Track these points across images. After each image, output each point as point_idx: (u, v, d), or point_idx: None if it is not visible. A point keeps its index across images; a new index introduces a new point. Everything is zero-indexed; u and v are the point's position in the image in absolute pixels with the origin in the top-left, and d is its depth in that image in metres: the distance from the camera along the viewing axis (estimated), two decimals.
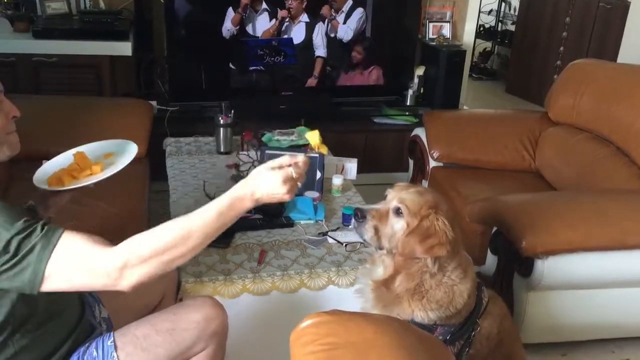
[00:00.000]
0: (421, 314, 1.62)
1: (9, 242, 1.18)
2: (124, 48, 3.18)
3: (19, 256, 1.18)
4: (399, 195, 1.65)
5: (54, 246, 1.20)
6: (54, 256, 1.20)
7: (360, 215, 1.64)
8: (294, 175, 1.34)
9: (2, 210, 1.21)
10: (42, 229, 1.21)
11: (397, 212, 1.62)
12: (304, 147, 2.73)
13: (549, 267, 2.14)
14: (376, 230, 1.63)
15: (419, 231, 1.58)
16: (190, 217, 1.29)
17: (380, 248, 1.66)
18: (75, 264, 1.22)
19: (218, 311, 1.58)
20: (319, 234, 2.19)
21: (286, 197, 1.34)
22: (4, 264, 1.18)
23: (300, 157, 1.36)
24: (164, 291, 1.81)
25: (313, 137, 1.43)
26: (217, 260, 1.99)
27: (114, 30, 3.22)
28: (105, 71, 3.22)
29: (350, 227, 2.25)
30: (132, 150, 1.63)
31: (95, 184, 1.53)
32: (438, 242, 1.57)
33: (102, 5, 3.47)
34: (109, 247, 1.24)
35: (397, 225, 1.62)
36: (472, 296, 1.67)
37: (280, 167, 1.33)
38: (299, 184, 1.37)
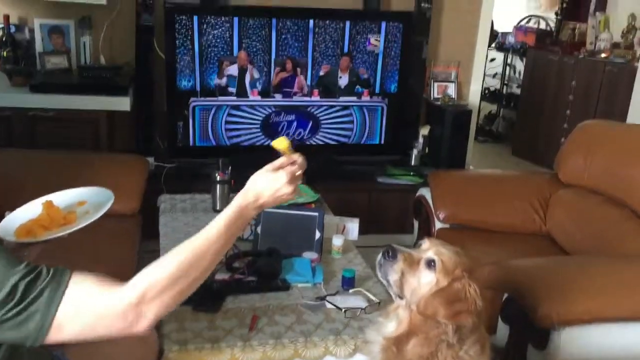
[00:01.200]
0: None
1: (15, 287, 1.06)
2: (123, 103, 3.13)
3: (26, 302, 1.07)
4: (436, 247, 1.51)
5: (65, 289, 1.09)
6: (65, 300, 1.09)
7: (390, 254, 1.49)
8: (299, 172, 1.30)
9: (1, 253, 1.10)
10: (48, 271, 1.10)
11: (430, 264, 1.48)
12: (305, 205, 2.62)
13: (566, 339, 1.97)
14: (402, 275, 1.48)
15: (448, 292, 1.43)
16: (198, 237, 1.22)
17: (401, 297, 1.50)
18: (87, 308, 1.11)
19: None
20: (317, 298, 2.04)
21: (290, 197, 1.31)
22: (8, 310, 1.06)
23: (296, 155, 1.33)
24: (144, 359, 1.66)
25: (280, 143, 1.34)
26: (205, 326, 1.84)
27: (112, 85, 3.18)
28: (103, 126, 3.16)
29: (350, 291, 2.10)
30: (107, 197, 1.51)
31: (70, 234, 1.40)
32: (466, 309, 1.42)
33: (102, 60, 3.45)
34: (120, 286, 1.14)
35: (426, 279, 1.47)
36: None
37: (281, 167, 1.29)
38: (299, 183, 1.32)
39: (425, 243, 1.56)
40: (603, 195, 2.76)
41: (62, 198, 1.54)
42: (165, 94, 3.37)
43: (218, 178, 2.67)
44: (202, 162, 3.37)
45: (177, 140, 3.44)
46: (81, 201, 1.53)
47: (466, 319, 1.43)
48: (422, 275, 1.48)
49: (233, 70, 3.43)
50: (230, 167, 2.69)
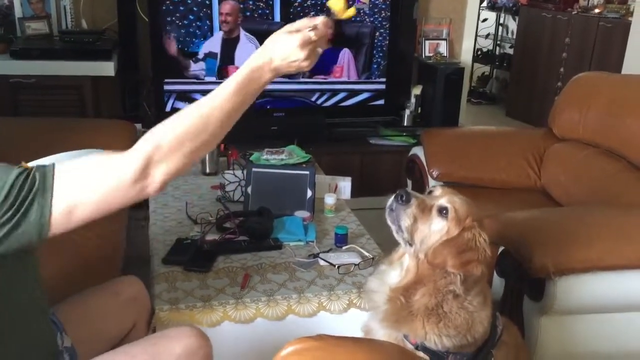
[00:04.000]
0: (435, 339, 1.41)
1: (12, 186, 1.03)
2: (107, 68, 3.06)
3: (23, 194, 1.03)
4: (449, 195, 1.46)
5: (53, 171, 1.06)
6: (58, 181, 1.05)
7: (404, 198, 1.43)
8: (313, 37, 1.19)
9: None
10: (36, 166, 1.07)
11: (442, 212, 1.43)
12: (298, 166, 2.58)
13: (562, 289, 1.94)
14: (414, 221, 1.43)
15: (458, 241, 1.39)
16: (207, 98, 1.15)
17: (410, 244, 1.46)
18: (92, 183, 1.07)
19: (202, 342, 1.40)
20: (310, 255, 2.01)
21: (305, 65, 1.20)
22: (8, 209, 1.03)
23: (320, 19, 1.21)
24: (135, 319, 1.63)
25: (337, 3, 1.25)
26: (197, 286, 1.80)
27: (95, 50, 3.11)
28: (87, 92, 3.09)
29: (343, 248, 2.07)
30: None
31: None
32: (476, 258, 1.39)
33: (84, 25, 3.36)
34: (123, 153, 1.09)
35: (437, 226, 1.42)
36: (488, 324, 1.48)
37: (298, 31, 1.19)
38: (320, 51, 1.22)
39: (438, 190, 1.51)
40: (598, 148, 2.72)
41: (58, 159, 1.51)
42: (150, 58, 3.29)
43: None
44: None
45: (164, 106, 3.37)
46: None
47: (476, 268, 1.39)
48: (433, 223, 1.43)
49: (217, 35, 3.35)
50: None
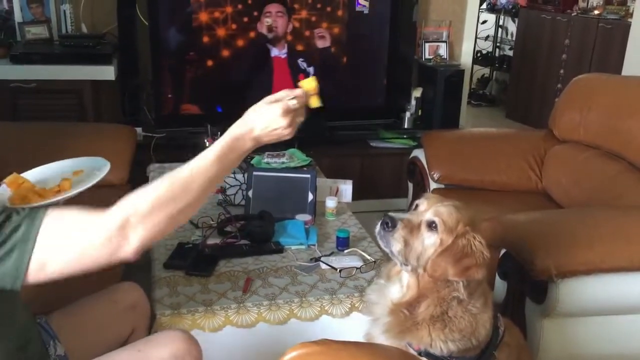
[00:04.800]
0: (441, 345, 1.40)
1: None
2: (107, 72, 3.06)
3: (2, 238, 1.03)
4: (435, 207, 1.44)
5: (41, 220, 1.06)
6: (42, 232, 1.05)
7: (389, 224, 1.42)
8: (293, 105, 1.22)
9: None
10: (23, 210, 1.06)
11: (431, 226, 1.41)
12: (299, 169, 2.57)
13: (564, 291, 1.94)
14: (405, 243, 1.42)
15: (454, 250, 1.38)
16: (188, 165, 1.17)
17: (406, 264, 1.45)
18: (69, 236, 1.07)
19: (190, 347, 1.39)
20: (311, 259, 2.01)
21: (286, 133, 1.23)
22: None
23: (298, 91, 1.26)
24: (133, 326, 1.62)
25: (309, 83, 1.28)
26: (198, 290, 1.80)
27: (95, 54, 3.11)
28: (87, 97, 3.09)
29: (345, 252, 2.07)
30: (103, 167, 1.51)
31: (65, 201, 1.37)
32: (475, 263, 1.37)
33: (84, 29, 3.36)
34: (103, 211, 1.10)
35: (429, 241, 1.41)
36: (490, 326, 1.47)
37: (278, 101, 1.22)
38: (299, 121, 1.25)
39: (423, 203, 1.49)
40: (599, 150, 2.72)
41: (58, 167, 1.52)
42: (150, 62, 3.28)
43: (207, 144, 2.60)
44: (192, 131, 3.31)
45: (164, 110, 3.36)
46: (77, 170, 1.52)
47: (476, 273, 1.38)
48: (425, 239, 1.42)
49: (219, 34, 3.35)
50: (219, 133, 2.64)
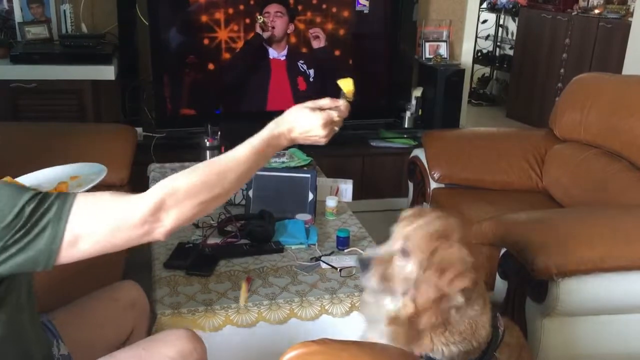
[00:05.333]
0: (443, 349, 1.39)
1: (22, 209, 1.04)
2: (107, 72, 3.05)
3: (35, 218, 1.04)
4: (404, 230, 1.43)
5: (73, 200, 1.07)
6: (75, 209, 1.06)
7: (363, 267, 1.41)
8: (335, 118, 1.26)
9: (9, 184, 1.09)
10: (55, 193, 1.08)
11: (404, 252, 1.39)
12: (299, 168, 2.57)
13: (565, 291, 1.94)
14: (385, 278, 1.39)
15: (433, 268, 1.36)
16: (225, 156, 1.20)
17: (394, 296, 1.42)
18: (102, 215, 1.08)
19: (195, 345, 1.40)
20: (312, 259, 2.01)
21: (322, 141, 1.28)
22: (16, 232, 1.03)
23: (342, 101, 1.30)
24: (134, 325, 1.63)
25: (347, 84, 1.31)
26: (198, 290, 1.80)
27: (95, 54, 3.11)
28: (88, 97, 3.08)
29: (345, 251, 2.07)
30: (100, 172, 1.52)
31: None
32: (458, 273, 1.35)
33: (84, 29, 3.36)
34: (137, 195, 1.12)
35: (407, 269, 1.38)
36: (490, 327, 1.47)
37: (321, 109, 1.26)
38: (336, 130, 1.29)
39: (395, 230, 1.47)
40: (600, 149, 2.71)
41: (54, 172, 1.52)
42: (150, 62, 3.28)
43: (207, 144, 2.62)
44: (192, 131, 3.31)
45: (165, 110, 3.36)
46: (74, 176, 1.52)
47: (462, 282, 1.36)
48: (401, 269, 1.39)
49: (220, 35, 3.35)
50: (219, 133, 2.64)
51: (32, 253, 1.05)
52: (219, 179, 1.15)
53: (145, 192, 1.12)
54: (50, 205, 1.06)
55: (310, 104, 1.28)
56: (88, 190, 1.42)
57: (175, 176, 1.15)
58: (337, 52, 3.59)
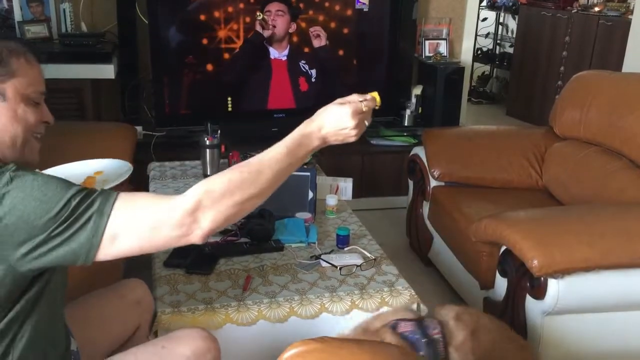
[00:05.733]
0: None
1: (68, 202, 1.07)
2: (107, 71, 3.05)
3: (78, 212, 1.06)
4: None
5: (115, 199, 1.09)
6: (117, 207, 1.09)
7: None
8: (364, 108, 1.26)
9: (57, 177, 1.11)
10: (97, 190, 1.12)
11: None
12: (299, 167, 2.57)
13: (565, 288, 1.94)
14: None
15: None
16: (260, 155, 1.20)
17: None
18: (141, 215, 1.10)
19: (210, 345, 1.43)
20: (311, 257, 2.01)
21: (353, 134, 1.26)
22: (60, 224, 1.05)
23: (369, 95, 1.30)
24: (139, 322, 1.65)
25: (374, 97, 1.33)
26: (198, 288, 1.80)
27: (95, 52, 3.10)
28: (87, 95, 3.08)
29: (345, 249, 2.07)
30: (126, 168, 1.54)
31: None
32: None
33: (84, 28, 3.35)
34: (176, 196, 1.14)
35: None
36: None
37: (349, 103, 1.26)
38: (367, 124, 1.28)
39: None
40: (600, 147, 2.71)
41: (79, 167, 1.54)
42: (150, 60, 3.28)
43: (207, 142, 2.61)
44: (192, 130, 3.31)
45: (164, 108, 3.36)
46: (98, 171, 1.53)
47: None
48: None
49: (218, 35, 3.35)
50: (219, 132, 2.64)
51: (74, 245, 1.06)
52: (254, 178, 1.16)
53: (183, 193, 1.13)
54: (93, 200, 1.08)
55: (338, 100, 1.28)
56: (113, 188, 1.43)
57: (210, 178, 1.16)
58: (339, 51, 3.58)
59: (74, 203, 1.07)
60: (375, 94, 1.33)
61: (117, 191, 1.12)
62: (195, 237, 1.13)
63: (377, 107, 1.32)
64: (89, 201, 1.08)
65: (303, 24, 3.47)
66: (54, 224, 1.05)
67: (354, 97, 1.29)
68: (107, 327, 1.56)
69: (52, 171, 1.50)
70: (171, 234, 1.11)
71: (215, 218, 1.12)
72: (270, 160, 1.19)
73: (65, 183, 1.10)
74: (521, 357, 1.63)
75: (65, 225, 1.06)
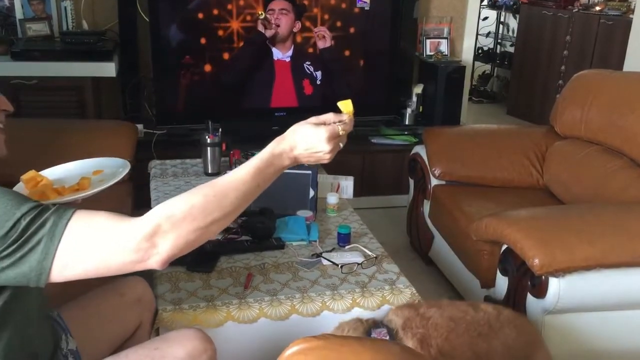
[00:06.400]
0: None
1: (17, 221, 1.00)
2: (108, 69, 3.05)
3: (29, 233, 1.00)
4: None
5: (69, 219, 1.03)
6: (70, 229, 1.02)
7: None
8: (340, 132, 1.19)
9: (10, 193, 1.05)
10: (54, 206, 1.05)
11: None
12: (300, 165, 2.57)
13: (566, 287, 1.94)
14: None
15: None
16: (225, 177, 1.14)
17: None
18: (96, 238, 1.03)
19: (206, 345, 1.41)
20: (312, 255, 2.01)
21: (327, 158, 1.20)
22: (9, 245, 0.99)
23: (345, 116, 1.23)
24: (140, 320, 1.64)
25: (347, 105, 1.27)
26: (200, 286, 1.80)
27: (96, 50, 3.10)
28: (88, 93, 3.08)
29: (346, 248, 2.07)
30: (123, 167, 1.49)
31: (83, 200, 1.37)
32: None
33: (85, 26, 3.35)
34: (133, 218, 1.07)
35: None
36: None
37: (324, 124, 1.20)
38: (341, 146, 1.22)
39: None
40: (600, 146, 2.71)
41: (77, 166, 1.53)
42: (151, 58, 3.28)
43: (208, 141, 2.61)
44: (193, 128, 3.31)
45: (165, 106, 3.36)
46: (96, 170, 1.52)
47: None
48: None
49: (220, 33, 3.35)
50: (220, 130, 2.64)
51: (24, 268, 1.01)
52: (219, 202, 1.09)
53: (141, 217, 1.06)
54: (45, 221, 1.02)
55: (313, 119, 1.22)
56: (111, 187, 1.42)
57: (172, 199, 1.09)
58: (343, 51, 3.57)
59: (24, 223, 1.00)
60: (348, 102, 1.27)
61: (74, 208, 1.06)
62: (153, 263, 1.06)
63: (352, 116, 1.26)
64: (41, 221, 1.01)
65: (307, 23, 3.46)
66: (2, 245, 1.00)
67: (330, 117, 1.22)
68: (107, 325, 1.55)
69: (49, 171, 1.49)
70: (126, 258, 1.04)
71: (174, 244, 1.06)
72: (237, 182, 1.13)
73: (17, 199, 1.04)
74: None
75: (14, 247, 1.00)
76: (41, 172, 1.47)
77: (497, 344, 1.59)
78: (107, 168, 1.52)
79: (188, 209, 1.07)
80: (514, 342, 1.63)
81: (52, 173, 1.49)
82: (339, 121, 1.21)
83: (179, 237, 1.06)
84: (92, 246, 1.03)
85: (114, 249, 1.04)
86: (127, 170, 1.47)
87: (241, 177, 1.13)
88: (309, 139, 1.18)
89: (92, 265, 1.04)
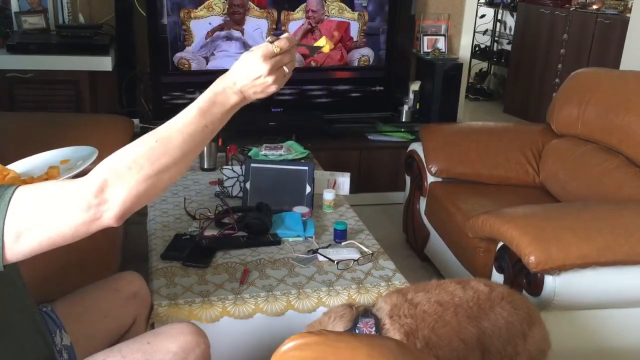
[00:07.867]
0: None
1: None
2: (104, 63, 3.04)
3: None
4: None
5: (12, 193, 1.00)
6: (14, 203, 0.98)
7: None
8: (274, 49, 1.11)
9: None
10: None
11: None
12: (296, 161, 2.57)
13: (561, 285, 1.94)
14: None
15: None
16: (167, 122, 1.09)
17: None
18: (43, 204, 1.00)
19: (198, 339, 1.39)
20: (309, 251, 2.01)
21: (270, 82, 1.12)
22: None
23: (285, 35, 1.15)
24: (135, 315, 1.63)
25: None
26: (195, 282, 1.80)
27: (92, 44, 3.09)
28: (85, 87, 3.07)
29: (342, 244, 2.07)
30: (90, 155, 1.46)
31: None
32: None
33: (81, 19, 3.34)
34: (79, 178, 1.03)
35: None
36: None
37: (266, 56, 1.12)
38: (286, 70, 1.14)
39: None
40: (597, 144, 2.72)
41: (44, 158, 1.50)
42: (148, 53, 3.27)
43: None
44: None
45: (162, 101, 3.35)
46: (64, 160, 1.50)
47: None
48: None
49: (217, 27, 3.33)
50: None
51: None
52: (164, 146, 1.04)
53: (85, 176, 1.03)
54: None
55: (255, 49, 1.14)
56: (78, 175, 1.40)
57: (114, 154, 1.04)
58: (340, 49, 3.56)
59: None
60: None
61: (15, 186, 1.03)
62: (107, 219, 1.01)
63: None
64: None
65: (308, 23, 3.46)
66: None
67: (272, 49, 1.13)
68: (102, 321, 1.54)
69: (17, 164, 1.47)
70: (78, 219, 1.00)
71: (125, 196, 1.01)
72: (180, 125, 1.07)
73: None
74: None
75: None
76: (8, 165, 1.46)
77: (487, 325, 1.56)
78: (74, 157, 1.50)
79: (132, 159, 1.03)
80: (507, 320, 1.61)
81: (19, 166, 1.47)
82: (273, 39, 1.13)
83: (129, 189, 1.02)
84: (40, 213, 1.00)
85: (63, 211, 1.00)
86: (94, 158, 1.43)
87: (184, 120, 1.09)
88: (245, 65, 1.12)
89: (45, 234, 1.00)
